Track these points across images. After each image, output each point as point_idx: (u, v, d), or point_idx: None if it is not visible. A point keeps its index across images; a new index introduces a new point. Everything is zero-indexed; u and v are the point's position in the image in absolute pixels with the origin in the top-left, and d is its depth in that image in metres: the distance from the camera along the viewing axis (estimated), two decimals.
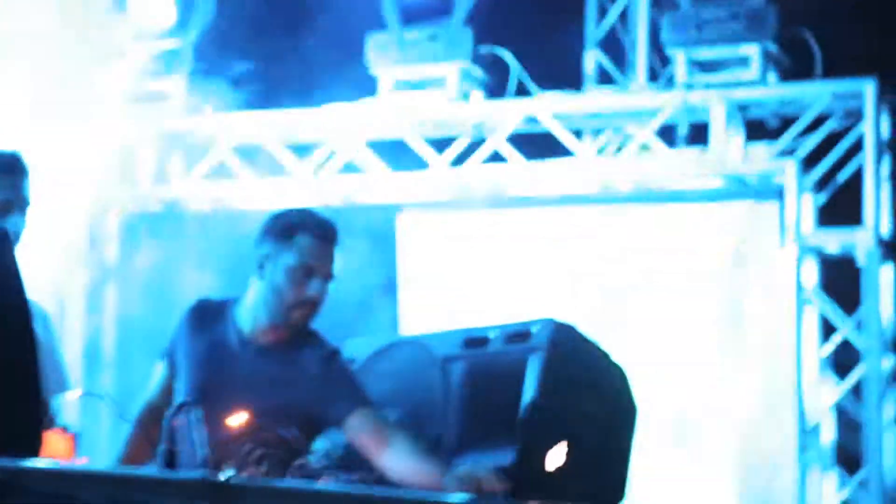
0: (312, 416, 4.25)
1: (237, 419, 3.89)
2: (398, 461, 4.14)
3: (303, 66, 7.62)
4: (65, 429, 4.14)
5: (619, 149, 7.87)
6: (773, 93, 7.40)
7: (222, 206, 8.27)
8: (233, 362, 4.33)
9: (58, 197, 7.32)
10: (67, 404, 4.25)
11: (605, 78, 8.12)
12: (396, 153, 8.02)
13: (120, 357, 7.70)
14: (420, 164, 7.99)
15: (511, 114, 7.83)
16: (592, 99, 7.86)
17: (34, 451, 3.26)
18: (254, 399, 4.17)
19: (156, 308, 7.76)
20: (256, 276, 4.38)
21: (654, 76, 7.93)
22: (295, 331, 4.37)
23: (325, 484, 3.81)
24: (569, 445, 4.02)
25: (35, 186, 4.59)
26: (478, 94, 7.95)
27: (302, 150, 8.18)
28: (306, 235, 4.33)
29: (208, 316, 4.43)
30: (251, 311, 4.38)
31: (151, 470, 3.65)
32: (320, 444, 4.19)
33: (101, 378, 7.15)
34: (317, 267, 4.33)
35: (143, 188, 8.33)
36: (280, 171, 8.15)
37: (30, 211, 4.56)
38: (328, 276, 4.36)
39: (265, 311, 4.35)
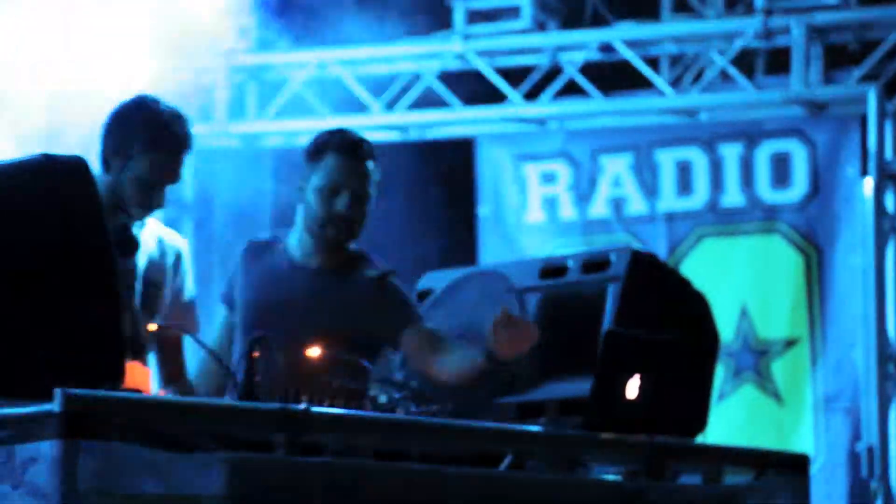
0: (369, 335, 4.28)
1: (313, 350, 3.90)
2: (447, 364, 4.20)
3: None
4: None
5: (697, 78, 7.77)
6: (855, 16, 7.26)
7: (297, 142, 8.26)
8: (287, 288, 4.39)
9: None
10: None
11: (682, 5, 8.00)
12: (471, 86, 7.97)
13: (198, 292, 7.74)
14: (495, 96, 7.94)
15: (587, 43, 7.76)
16: (669, 26, 7.76)
17: (116, 383, 3.28)
18: (311, 322, 4.22)
19: (232, 243, 7.79)
20: (298, 200, 4.44)
21: (732, 2, 7.81)
22: (334, 250, 4.40)
23: (400, 415, 3.82)
24: (647, 376, 3.99)
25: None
26: (553, 24, 7.88)
27: (376, 84, 8.16)
28: (332, 154, 4.37)
29: (260, 250, 4.50)
30: (298, 236, 4.45)
31: (229, 401, 3.67)
32: (396, 375, 4.21)
33: None
34: (344, 183, 4.35)
35: (218, 124, 8.35)
36: (354, 105, 8.13)
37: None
38: (358, 193, 4.37)
39: (307, 233, 4.42)
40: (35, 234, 3.21)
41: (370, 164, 4.40)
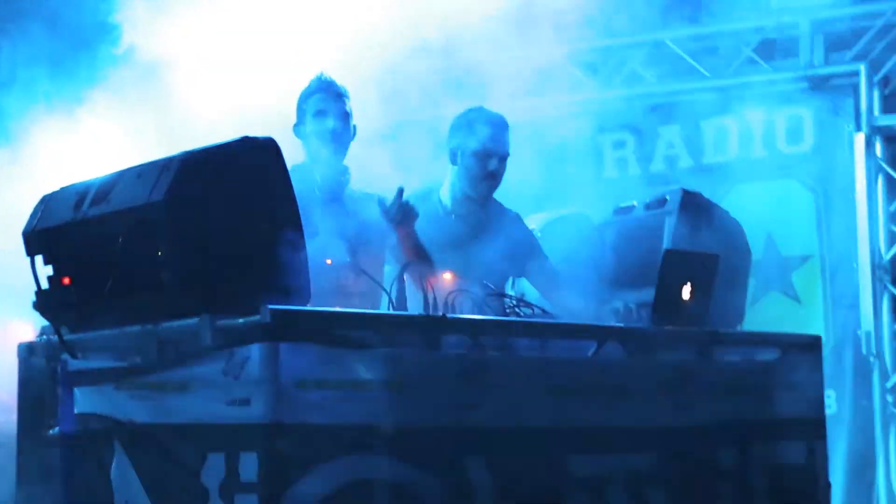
0: (503, 262, 4.30)
1: (449, 274, 3.89)
2: (566, 299, 4.23)
3: None
4: None
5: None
6: None
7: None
8: (441, 228, 4.38)
9: None
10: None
11: None
12: None
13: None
14: None
15: None
16: None
17: (304, 299, 3.28)
18: (461, 253, 4.25)
19: None
20: (451, 162, 4.42)
21: None
22: (483, 200, 4.41)
23: (512, 317, 3.79)
24: (697, 283, 3.92)
25: None
26: None
27: None
28: (484, 125, 4.33)
29: (420, 200, 4.45)
30: (450, 189, 4.47)
31: (385, 311, 3.68)
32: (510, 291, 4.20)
33: None
34: (495, 148, 4.34)
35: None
36: None
37: None
38: (505, 156, 4.38)
39: (460, 187, 4.43)
40: (242, 193, 3.20)
41: (509, 132, 4.37)
